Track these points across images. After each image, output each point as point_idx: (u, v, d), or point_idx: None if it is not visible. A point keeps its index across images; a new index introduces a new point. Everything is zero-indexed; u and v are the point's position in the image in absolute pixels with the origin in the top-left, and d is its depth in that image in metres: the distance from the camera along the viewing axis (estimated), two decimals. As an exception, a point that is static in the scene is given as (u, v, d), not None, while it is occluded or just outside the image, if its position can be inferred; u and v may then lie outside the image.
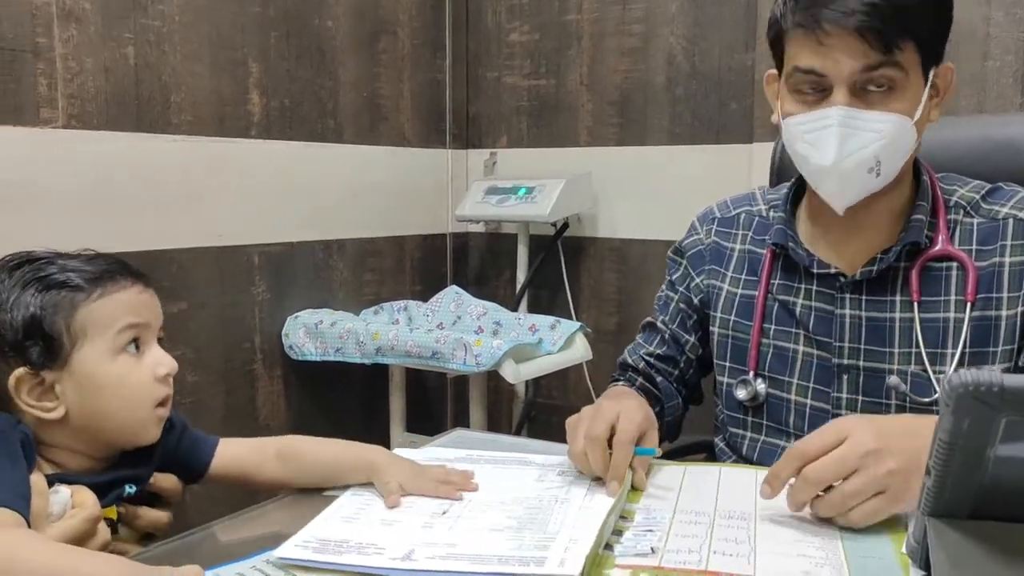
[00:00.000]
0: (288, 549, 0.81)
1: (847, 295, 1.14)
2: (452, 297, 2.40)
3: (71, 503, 0.84)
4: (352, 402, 2.46)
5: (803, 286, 1.17)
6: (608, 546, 0.83)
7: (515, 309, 2.48)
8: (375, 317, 2.39)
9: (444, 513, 0.90)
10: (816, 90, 1.04)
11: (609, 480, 0.95)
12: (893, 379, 1.10)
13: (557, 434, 1.10)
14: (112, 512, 0.90)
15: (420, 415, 2.54)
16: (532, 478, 1.00)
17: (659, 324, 1.32)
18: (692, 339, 1.30)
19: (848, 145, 1.03)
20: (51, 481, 0.85)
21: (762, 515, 0.90)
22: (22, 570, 0.72)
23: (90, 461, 0.90)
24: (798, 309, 1.17)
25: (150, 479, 0.95)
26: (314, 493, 0.99)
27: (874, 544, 0.84)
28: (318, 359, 2.21)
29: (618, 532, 0.86)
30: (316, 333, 2.20)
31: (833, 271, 1.14)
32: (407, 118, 2.61)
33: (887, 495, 0.84)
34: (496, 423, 2.69)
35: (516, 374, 2.03)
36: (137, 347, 0.90)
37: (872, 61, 1.01)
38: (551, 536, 0.82)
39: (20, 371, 0.85)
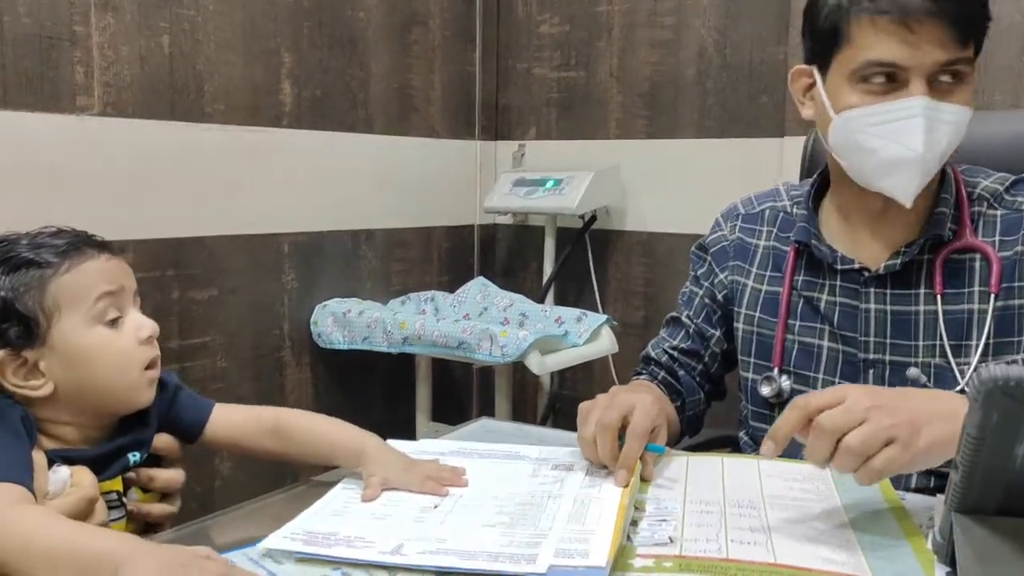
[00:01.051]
0: (275, 540, 0.81)
1: (871, 289, 1.13)
2: (479, 288, 2.41)
3: (70, 482, 0.85)
4: (379, 391, 2.48)
5: (827, 282, 1.17)
6: (627, 537, 0.83)
7: (541, 301, 2.48)
8: (402, 307, 2.40)
9: (436, 507, 0.89)
10: (888, 81, 1.02)
11: (618, 469, 0.94)
12: (912, 371, 1.10)
13: (581, 425, 1.10)
14: (117, 483, 0.91)
15: (445, 404, 2.56)
16: (525, 473, 0.99)
17: (683, 319, 1.32)
18: (717, 334, 1.29)
19: (933, 135, 1.02)
20: (52, 459, 0.86)
21: (770, 503, 0.91)
22: (39, 546, 0.73)
23: (89, 432, 0.91)
24: (823, 305, 1.17)
25: (152, 443, 0.95)
26: (324, 485, 0.98)
27: (885, 530, 0.84)
28: (346, 347, 2.23)
29: (633, 522, 0.86)
30: (344, 322, 2.22)
31: (857, 266, 1.14)
32: (437, 109, 2.61)
33: (899, 443, 0.82)
34: (521, 414, 2.70)
35: (541, 365, 2.03)
36: (114, 321, 0.90)
37: (952, 54, 1.00)
38: (542, 533, 0.81)
39: (1, 353, 0.86)
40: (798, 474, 1.00)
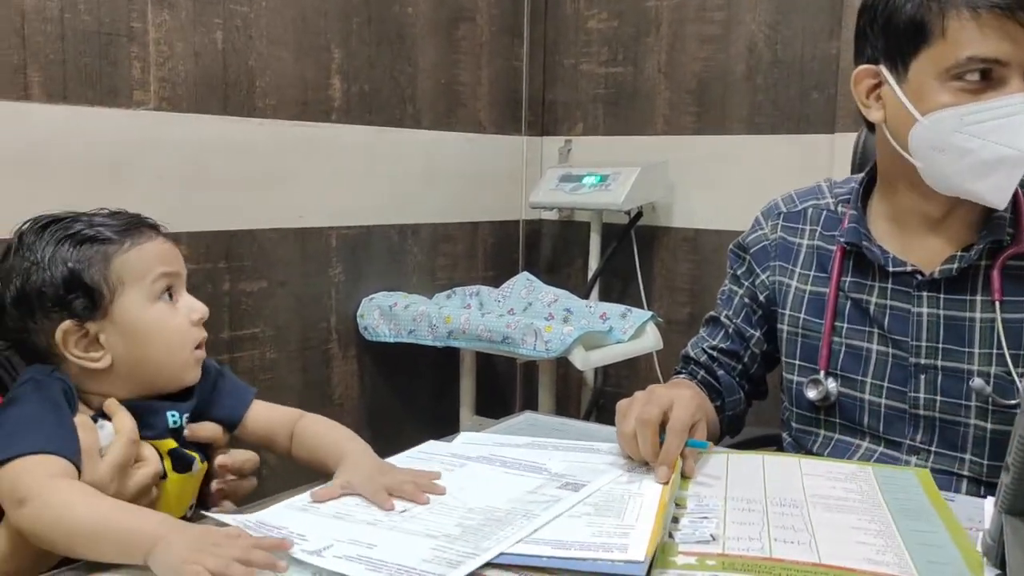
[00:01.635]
0: (225, 518, 0.82)
1: (924, 293, 1.11)
2: (524, 283, 2.42)
3: (113, 432, 0.88)
4: (423, 383, 2.50)
5: (877, 284, 1.14)
6: (668, 534, 0.83)
7: (586, 297, 2.48)
8: (447, 301, 2.42)
9: (402, 512, 0.85)
10: (983, 78, 0.98)
11: (659, 465, 0.94)
12: (978, 382, 1.06)
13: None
14: (170, 443, 0.93)
15: (489, 398, 2.57)
16: (524, 488, 0.92)
17: (723, 319, 1.30)
18: (757, 334, 1.28)
19: None
20: (93, 418, 0.89)
21: (813, 502, 0.90)
22: (79, 521, 0.77)
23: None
24: (872, 307, 1.15)
25: (189, 411, 0.97)
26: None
27: (930, 530, 0.83)
28: (392, 340, 2.25)
29: (674, 519, 0.86)
30: (390, 315, 2.24)
31: (909, 269, 1.11)
32: (483, 105, 2.62)
33: None
34: (564, 409, 2.70)
35: (585, 361, 2.03)
36: (170, 295, 0.95)
37: None
38: (471, 553, 0.76)
39: (67, 324, 0.89)
40: (840, 473, 0.99)
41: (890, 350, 1.13)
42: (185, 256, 2.03)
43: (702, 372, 1.29)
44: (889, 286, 1.13)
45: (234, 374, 1.06)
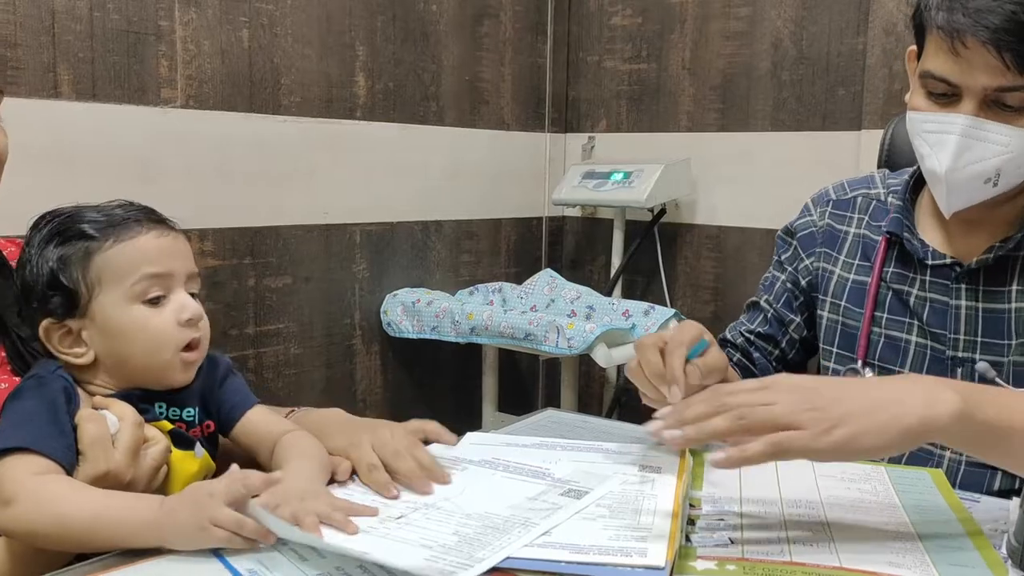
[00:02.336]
0: (261, 513, 0.79)
1: (962, 286, 1.11)
2: (546, 280, 2.42)
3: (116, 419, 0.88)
4: (446, 379, 2.51)
5: (918, 276, 1.15)
6: (686, 537, 0.82)
7: (609, 294, 2.47)
8: (470, 298, 2.42)
9: (399, 518, 0.84)
10: (946, 95, 1.01)
11: (669, 384, 0.95)
12: (982, 364, 1.07)
13: (646, 419, 1.10)
14: (167, 424, 0.93)
15: (512, 395, 2.57)
16: (525, 494, 0.90)
17: (763, 303, 1.31)
18: (797, 320, 1.29)
19: (967, 155, 1.00)
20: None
21: (829, 505, 0.89)
22: (74, 516, 0.78)
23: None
24: (912, 299, 1.15)
25: (194, 414, 0.96)
26: None
27: (948, 532, 0.82)
28: (414, 336, 2.26)
29: (690, 522, 0.85)
30: (413, 311, 2.25)
31: (948, 262, 1.11)
32: (507, 102, 2.63)
33: (808, 432, 0.78)
34: (587, 406, 2.70)
35: (608, 358, 2.03)
36: (156, 300, 0.91)
37: (1008, 82, 0.96)
38: (464, 564, 0.74)
39: (46, 322, 0.90)
40: (854, 474, 0.98)
41: (928, 343, 1.13)
42: (211, 252, 2.06)
43: (738, 355, 1.30)
44: (928, 279, 1.14)
45: (252, 375, 1.05)
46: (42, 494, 0.79)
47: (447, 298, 2.33)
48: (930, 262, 1.12)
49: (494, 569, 0.75)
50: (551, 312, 2.25)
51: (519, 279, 2.54)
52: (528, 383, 2.81)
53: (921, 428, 0.80)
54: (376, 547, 0.76)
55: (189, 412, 0.96)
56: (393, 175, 2.32)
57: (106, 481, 0.85)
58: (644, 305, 2.23)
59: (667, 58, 2.58)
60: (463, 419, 2.51)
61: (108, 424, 0.88)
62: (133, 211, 0.93)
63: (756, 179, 2.43)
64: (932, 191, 1.08)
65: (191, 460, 0.95)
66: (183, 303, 0.92)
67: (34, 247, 0.91)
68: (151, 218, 0.93)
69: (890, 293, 1.17)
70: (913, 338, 1.15)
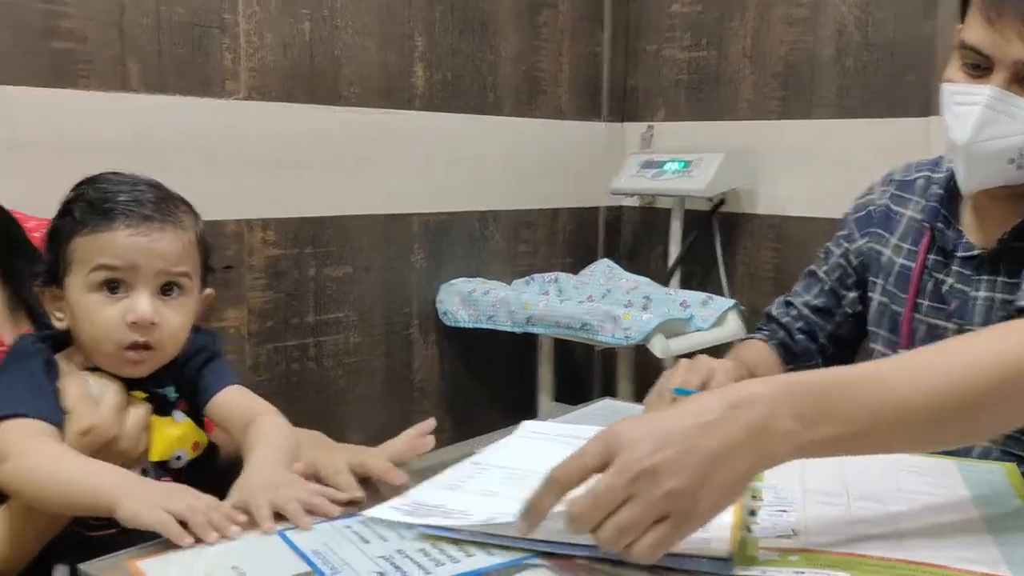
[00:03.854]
0: (382, 511, 0.83)
1: (983, 276, 1.09)
2: (603, 270, 2.41)
3: (99, 386, 0.94)
4: (502, 369, 2.52)
5: (952, 266, 1.13)
6: (747, 527, 0.81)
7: (667, 284, 2.45)
8: (526, 287, 2.43)
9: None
10: (979, 67, 0.99)
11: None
12: None
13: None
14: (140, 393, 0.97)
15: (567, 385, 2.57)
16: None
17: (821, 274, 1.31)
18: (851, 295, 1.28)
19: (990, 129, 0.98)
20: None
21: (894, 497, 0.87)
22: (52, 478, 0.84)
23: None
24: (945, 288, 1.13)
25: (170, 391, 0.99)
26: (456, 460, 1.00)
27: (1019, 526, 0.80)
28: (471, 326, 2.27)
29: (751, 512, 0.84)
30: (469, 301, 2.26)
31: (976, 252, 1.10)
32: (564, 91, 2.62)
33: (672, 520, 0.68)
34: (643, 397, 2.68)
35: (665, 349, 2.02)
36: (112, 289, 0.92)
37: None
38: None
39: (39, 281, 0.96)
40: (922, 467, 0.96)
41: (962, 333, 1.11)
42: (273, 242, 2.10)
43: (782, 333, 1.30)
44: (957, 268, 1.12)
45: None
46: (26, 458, 0.84)
47: (503, 288, 2.34)
48: (959, 254, 1.11)
49: (554, 556, 0.76)
50: (608, 302, 2.24)
51: (575, 269, 2.54)
52: (584, 373, 2.80)
53: (762, 469, 0.73)
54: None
55: (164, 391, 0.99)
56: (451, 165, 2.33)
57: (93, 437, 0.90)
58: (702, 295, 2.21)
59: (727, 45, 2.54)
60: (519, 408, 2.52)
61: (90, 387, 0.93)
62: (129, 203, 0.93)
63: (819, 167, 2.38)
64: (953, 167, 1.06)
65: (171, 424, 0.98)
66: (135, 304, 0.91)
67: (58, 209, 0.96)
68: (142, 212, 0.92)
69: (931, 280, 1.15)
70: (951, 326, 1.13)
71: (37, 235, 1.17)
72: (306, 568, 0.74)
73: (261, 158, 1.93)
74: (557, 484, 0.71)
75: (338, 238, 2.10)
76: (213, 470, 1.02)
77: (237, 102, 1.89)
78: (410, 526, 0.80)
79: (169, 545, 0.77)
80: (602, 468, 0.70)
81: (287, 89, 1.97)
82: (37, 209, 1.21)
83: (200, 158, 1.83)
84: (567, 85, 2.62)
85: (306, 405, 2.05)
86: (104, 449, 0.91)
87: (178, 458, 0.98)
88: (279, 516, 0.82)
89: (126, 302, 0.92)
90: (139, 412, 0.95)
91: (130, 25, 1.71)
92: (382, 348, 2.23)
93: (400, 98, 2.19)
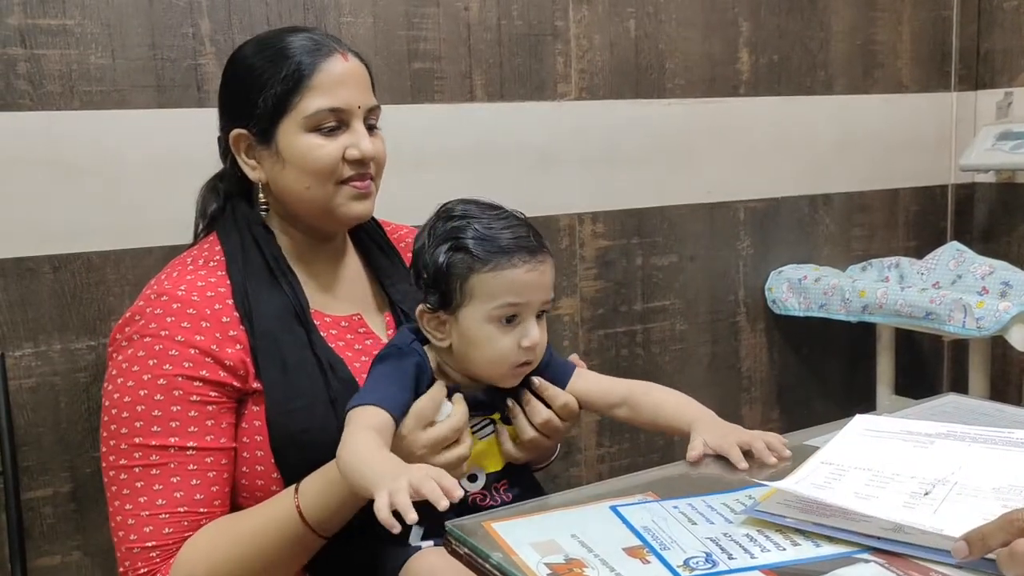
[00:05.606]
0: (770, 505, 0.84)
1: None
2: (952, 254, 2.21)
3: (448, 413, 1.05)
4: (835, 360, 2.41)
5: None
6: None
7: (1030, 269, 2.19)
8: (862, 274, 2.30)
9: (926, 494, 0.83)
10: None
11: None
12: None
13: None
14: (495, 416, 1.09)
15: (910, 378, 2.40)
16: None
17: None
18: None
19: None
20: (452, 391, 1.07)
21: None
22: (345, 458, 0.94)
23: (467, 382, 1.09)
24: None
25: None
26: (797, 444, 1.02)
27: None
28: (801, 315, 2.21)
29: None
30: (799, 288, 2.20)
31: None
32: (905, 62, 2.43)
33: None
34: (1001, 393, 2.42)
35: (1027, 341, 1.81)
36: (510, 320, 1.04)
37: None
38: None
39: (422, 306, 1.07)
40: None
41: None
42: (602, 234, 2.20)
43: None
44: None
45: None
46: (349, 437, 0.96)
47: (836, 274, 2.24)
48: None
49: (886, 552, 0.74)
50: (957, 289, 2.06)
51: (919, 253, 2.35)
52: (930, 366, 2.59)
53: None
54: (947, 523, 0.76)
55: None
56: (777, 149, 2.27)
57: (399, 445, 1.01)
58: (1075, 281, 1.95)
59: (1109, -8, 2.20)
60: (854, 400, 2.40)
61: (440, 407, 1.05)
62: (516, 239, 1.04)
63: None
64: None
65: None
66: (527, 331, 1.04)
67: (431, 240, 1.07)
68: (528, 248, 1.04)
69: None
70: None
71: (395, 236, 1.36)
72: (637, 542, 0.80)
73: (590, 155, 2.03)
74: (1013, 526, 0.71)
75: (663, 228, 2.14)
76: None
77: (568, 103, 2.00)
78: (807, 529, 0.80)
79: (518, 512, 0.88)
80: None
81: (614, 87, 2.05)
82: (392, 213, 1.40)
83: (535, 159, 1.97)
84: (908, 55, 2.43)
85: (635, 390, 2.12)
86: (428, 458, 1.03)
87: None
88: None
89: (520, 329, 1.05)
90: (455, 454, 1.04)
91: (476, 41, 1.89)
92: (708, 336, 2.24)
93: (725, 86, 2.18)
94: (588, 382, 1.15)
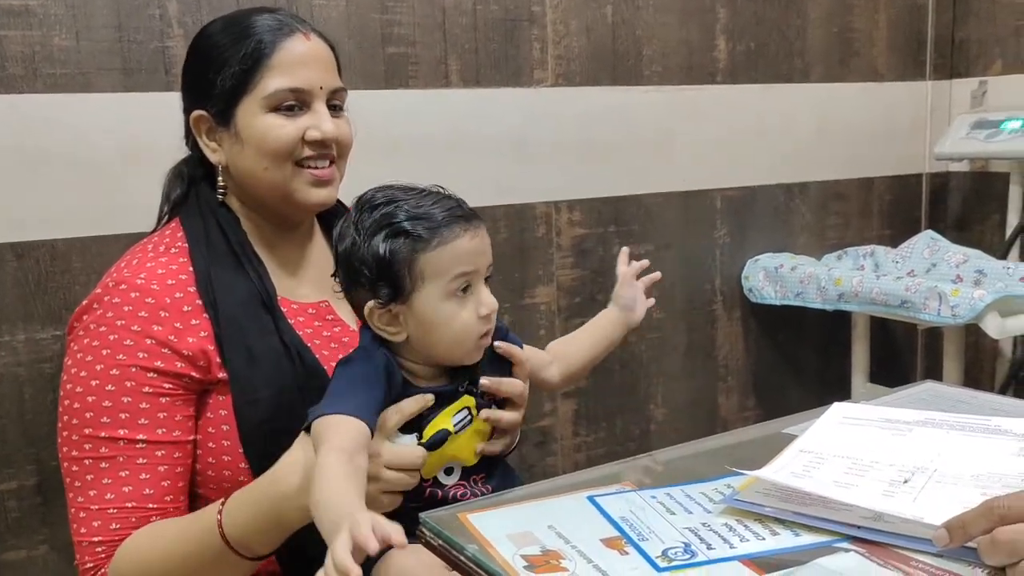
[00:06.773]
0: (749, 494, 0.83)
1: None
2: (926, 242, 2.22)
3: (405, 452, 0.97)
4: (811, 348, 2.42)
5: None
6: None
7: (1004, 257, 2.21)
8: (838, 262, 2.31)
9: (905, 482, 0.82)
10: None
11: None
12: None
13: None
14: (469, 400, 1.03)
15: (884, 366, 2.41)
16: (1009, 451, 0.88)
17: None
18: None
19: None
20: (415, 391, 1.00)
21: None
22: (314, 493, 0.83)
23: (430, 371, 1.03)
24: None
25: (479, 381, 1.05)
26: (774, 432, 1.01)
27: None
28: (777, 303, 2.21)
29: None
30: (776, 277, 2.20)
31: None
32: (880, 51, 2.43)
33: None
34: (974, 381, 2.44)
35: (1001, 329, 1.82)
36: (465, 291, 1.00)
37: None
38: None
39: (371, 303, 1.00)
40: None
41: None
42: (578, 222, 2.19)
43: None
44: None
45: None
46: (320, 465, 0.86)
47: (812, 263, 2.24)
48: None
49: (866, 541, 0.73)
50: (932, 277, 2.07)
51: (894, 242, 2.36)
52: (904, 354, 2.61)
53: None
54: (928, 513, 0.75)
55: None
56: (754, 138, 2.27)
57: (387, 477, 0.96)
58: (1048, 269, 1.96)
59: (1082, -18, 2.21)
60: (830, 389, 2.41)
61: (399, 439, 0.98)
62: (448, 211, 1.00)
63: None
64: None
65: (484, 427, 1.05)
66: (483, 299, 1.01)
67: (362, 234, 1.00)
68: (464, 216, 1.01)
69: None
70: None
71: None
72: (615, 533, 0.79)
73: (566, 142, 2.01)
74: (993, 513, 0.70)
75: (639, 216, 2.13)
76: None
77: (544, 89, 1.98)
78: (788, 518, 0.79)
79: (494, 503, 0.86)
80: None
81: (591, 73, 2.03)
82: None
83: (510, 146, 1.95)
84: (884, 44, 2.44)
85: (611, 378, 2.12)
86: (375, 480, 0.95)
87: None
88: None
89: (475, 299, 1.01)
90: (388, 499, 0.97)
91: (451, 26, 1.86)
92: (684, 324, 2.23)
93: (701, 73, 2.17)
94: (531, 353, 1.15)
